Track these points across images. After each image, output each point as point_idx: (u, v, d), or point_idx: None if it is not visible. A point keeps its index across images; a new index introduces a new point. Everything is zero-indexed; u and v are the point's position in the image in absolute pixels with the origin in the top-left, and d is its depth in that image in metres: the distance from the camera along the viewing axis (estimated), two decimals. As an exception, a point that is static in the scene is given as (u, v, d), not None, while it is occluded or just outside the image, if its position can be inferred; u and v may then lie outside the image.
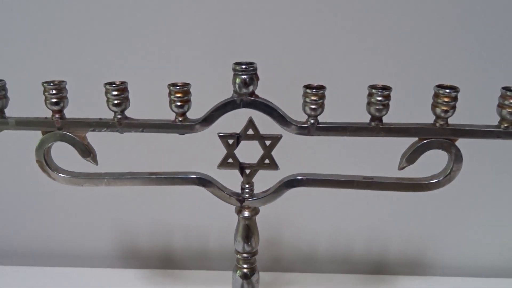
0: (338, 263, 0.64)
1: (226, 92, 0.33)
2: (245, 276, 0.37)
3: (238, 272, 0.37)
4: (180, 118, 0.32)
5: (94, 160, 0.34)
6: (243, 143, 0.34)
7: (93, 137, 0.34)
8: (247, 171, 0.34)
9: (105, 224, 0.63)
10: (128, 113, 0.33)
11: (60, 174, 0.34)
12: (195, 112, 0.33)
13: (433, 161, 0.35)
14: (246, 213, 0.35)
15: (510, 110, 0.31)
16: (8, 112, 0.33)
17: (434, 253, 0.63)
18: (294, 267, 0.64)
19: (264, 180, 0.36)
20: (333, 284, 0.61)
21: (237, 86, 0.31)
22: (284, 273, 0.63)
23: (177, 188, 0.59)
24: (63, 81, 0.32)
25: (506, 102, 0.30)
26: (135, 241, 0.64)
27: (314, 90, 0.30)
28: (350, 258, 0.64)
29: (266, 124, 0.34)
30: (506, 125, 0.31)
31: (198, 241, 0.64)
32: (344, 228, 0.63)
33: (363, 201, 0.61)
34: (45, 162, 0.33)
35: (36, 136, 0.34)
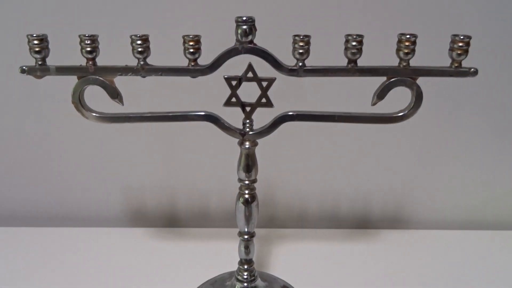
0: (326, 219, 0.70)
1: (230, 43, 0.40)
2: (246, 202, 0.44)
3: (241, 199, 0.44)
4: (193, 63, 0.39)
5: (121, 101, 0.40)
6: (243, 85, 0.41)
7: (119, 85, 0.41)
8: (247, 108, 0.41)
9: (115, 187, 0.69)
10: (148, 60, 0.40)
11: (92, 113, 0.40)
12: (204, 61, 0.40)
13: (401, 103, 0.43)
14: (247, 144, 0.41)
15: (459, 52, 0.38)
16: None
17: (412, 208, 0.70)
18: (287, 224, 0.70)
19: (262, 118, 0.43)
20: (322, 238, 0.67)
21: (239, 35, 0.38)
22: (278, 229, 0.69)
23: (181, 154, 0.65)
24: (95, 34, 0.39)
25: (455, 46, 0.38)
26: (142, 203, 0.69)
27: (301, 37, 0.38)
28: (336, 215, 0.70)
29: (262, 70, 0.41)
30: (456, 65, 0.39)
31: (200, 202, 0.70)
32: (331, 189, 0.69)
33: (348, 164, 0.68)
34: (80, 103, 0.40)
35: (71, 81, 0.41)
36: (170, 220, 0.70)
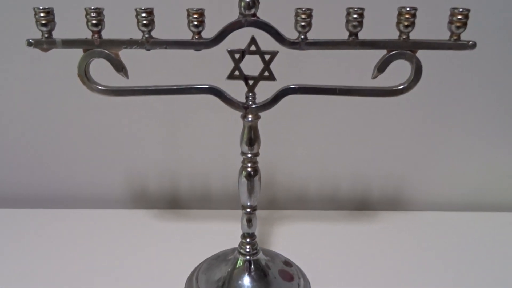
0: (326, 201, 0.71)
1: (233, 17, 0.41)
2: (249, 175, 0.44)
3: (243, 173, 0.45)
4: (197, 37, 0.40)
5: (126, 74, 0.41)
6: (246, 59, 0.42)
7: (123, 60, 0.42)
8: (250, 82, 0.42)
9: (117, 169, 0.69)
10: (153, 34, 0.41)
11: (97, 86, 0.41)
12: (208, 34, 0.41)
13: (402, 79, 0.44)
14: (250, 117, 0.42)
15: (458, 25, 0.39)
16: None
17: (411, 190, 0.70)
18: (287, 206, 0.71)
19: (264, 93, 0.43)
20: (321, 219, 0.68)
21: (242, 8, 0.39)
22: (278, 211, 0.70)
23: (183, 136, 0.66)
24: (101, 7, 0.40)
25: (454, 18, 0.39)
26: (144, 185, 0.70)
27: (303, 10, 0.38)
28: (336, 197, 0.71)
29: (265, 44, 0.42)
30: (455, 38, 0.40)
31: (201, 184, 0.70)
32: (331, 170, 0.70)
33: (348, 146, 0.68)
34: (85, 76, 0.41)
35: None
36: (172, 201, 0.71)
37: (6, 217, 0.66)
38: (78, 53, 0.41)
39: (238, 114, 0.44)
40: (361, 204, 0.71)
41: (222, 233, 0.61)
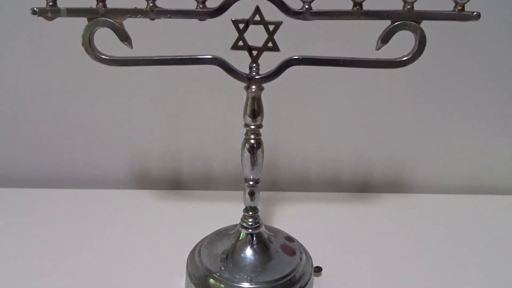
0: (328, 184, 0.71)
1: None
2: (252, 147, 0.44)
3: (246, 145, 0.45)
4: (201, 6, 0.40)
5: (130, 44, 0.41)
6: (251, 30, 0.42)
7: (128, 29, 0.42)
8: (254, 52, 0.42)
9: (120, 150, 0.70)
10: (157, 3, 0.41)
11: (101, 56, 0.41)
12: (212, 4, 0.41)
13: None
14: (254, 88, 0.42)
15: (462, -5, 0.39)
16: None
17: (413, 173, 0.71)
18: (289, 188, 0.71)
19: (268, 65, 0.43)
20: (323, 200, 0.68)
21: (247, -24, 0.39)
22: (280, 192, 0.70)
23: (186, 117, 0.66)
24: (106, -24, 0.40)
25: (459, -11, 0.39)
26: (147, 166, 0.70)
27: (308, -21, 0.38)
28: (338, 179, 0.71)
29: (270, 15, 0.42)
30: (459, 8, 0.40)
31: (204, 165, 0.71)
32: (333, 153, 0.70)
33: (350, 129, 0.69)
34: (90, 45, 0.41)
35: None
36: (174, 182, 0.71)
37: (9, 196, 0.66)
38: (82, 23, 0.41)
39: (240, 96, 0.44)
40: (363, 186, 0.71)
41: (224, 213, 0.61)
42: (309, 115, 0.67)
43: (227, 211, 0.61)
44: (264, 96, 0.44)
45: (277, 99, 0.62)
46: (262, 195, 0.49)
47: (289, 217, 0.63)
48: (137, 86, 0.65)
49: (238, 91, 0.46)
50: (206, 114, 0.67)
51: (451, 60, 0.63)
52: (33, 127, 0.68)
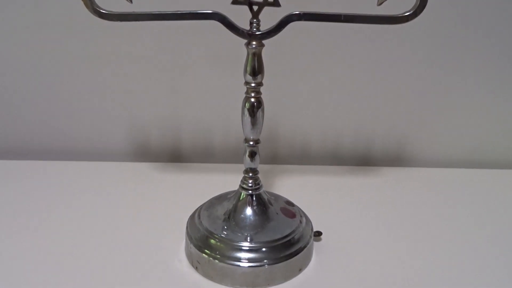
0: (328, 157, 0.71)
1: None
2: (252, 106, 0.44)
3: (247, 104, 0.44)
4: (201, -41, 0.40)
5: (129, -1, 0.41)
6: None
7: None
8: (255, 8, 0.41)
9: (120, 122, 0.69)
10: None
11: (100, 10, 0.41)
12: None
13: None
14: (254, 44, 0.42)
15: None
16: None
17: (413, 146, 0.71)
18: (290, 161, 0.71)
19: (269, 22, 0.43)
20: (324, 173, 0.68)
21: None
22: (281, 165, 0.70)
23: (186, 90, 0.66)
24: None
25: None
26: (146, 138, 0.70)
27: None
28: (339, 153, 0.71)
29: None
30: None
31: (204, 138, 0.70)
32: (334, 126, 0.70)
33: (350, 102, 0.68)
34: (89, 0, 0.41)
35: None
36: (174, 155, 0.71)
37: (6, 168, 0.66)
38: None
39: (241, 69, 0.44)
40: (363, 160, 0.71)
41: (224, 185, 0.60)
42: (310, 87, 0.67)
43: (227, 183, 0.61)
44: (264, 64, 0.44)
45: (276, 72, 0.61)
46: (262, 167, 0.49)
47: (290, 188, 0.63)
48: (136, 56, 0.65)
49: (238, 63, 0.45)
50: (206, 87, 0.67)
51: (452, 29, 0.63)
52: (30, 98, 0.67)
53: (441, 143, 0.70)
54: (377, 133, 0.70)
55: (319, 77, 0.66)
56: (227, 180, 0.58)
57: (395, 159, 0.71)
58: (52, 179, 0.63)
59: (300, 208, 0.51)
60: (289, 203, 0.51)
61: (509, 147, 0.71)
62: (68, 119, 0.69)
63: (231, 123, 0.68)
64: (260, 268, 0.43)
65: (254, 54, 0.43)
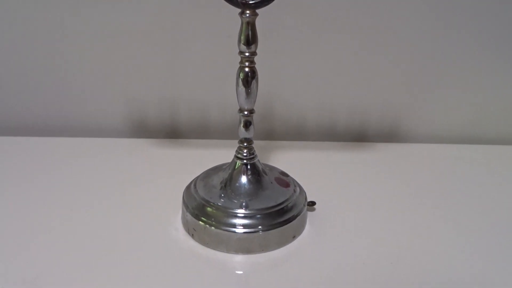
0: (324, 133, 0.71)
1: None
2: (246, 76, 0.45)
3: (241, 74, 0.45)
4: None
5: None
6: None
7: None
8: (248, -23, 0.42)
9: (117, 99, 0.70)
10: None
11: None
12: None
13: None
14: (248, 13, 0.42)
15: None
16: None
17: (408, 122, 0.71)
18: (285, 137, 0.71)
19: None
20: (319, 149, 0.68)
21: None
22: (276, 141, 0.70)
23: (183, 66, 0.66)
24: None
25: None
26: (143, 114, 0.70)
27: None
28: (334, 128, 0.71)
29: None
30: None
31: (200, 114, 0.71)
32: (329, 102, 0.70)
33: (346, 78, 0.69)
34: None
35: None
36: (171, 131, 0.71)
37: (6, 144, 0.66)
38: None
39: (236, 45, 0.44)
40: (359, 136, 0.72)
41: (220, 160, 0.61)
42: (304, 63, 0.67)
43: (223, 158, 0.61)
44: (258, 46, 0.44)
45: (271, 48, 0.62)
46: (258, 144, 0.50)
47: (285, 163, 0.63)
48: (132, 32, 0.65)
49: (234, 39, 0.45)
50: (203, 62, 0.67)
51: (447, 4, 0.63)
52: (27, 75, 0.68)
53: (436, 119, 0.71)
54: (373, 109, 0.70)
55: (314, 53, 0.67)
56: (223, 154, 0.58)
57: (391, 135, 0.71)
58: (48, 155, 0.64)
59: (294, 179, 0.52)
60: (284, 173, 0.52)
61: (504, 122, 0.71)
62: (65, 96, 0.69)
63: (228, 99, 0.68)
64: (255, 234, 0.44)
65: (248, 23, 0.43)
